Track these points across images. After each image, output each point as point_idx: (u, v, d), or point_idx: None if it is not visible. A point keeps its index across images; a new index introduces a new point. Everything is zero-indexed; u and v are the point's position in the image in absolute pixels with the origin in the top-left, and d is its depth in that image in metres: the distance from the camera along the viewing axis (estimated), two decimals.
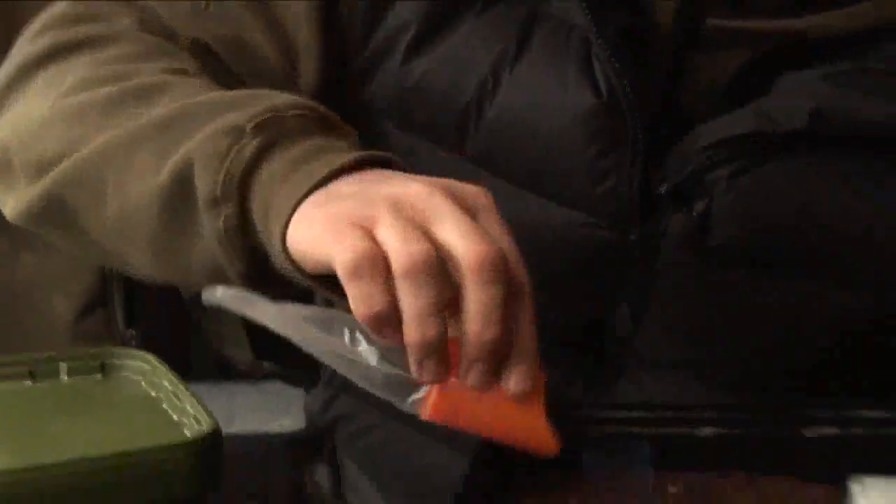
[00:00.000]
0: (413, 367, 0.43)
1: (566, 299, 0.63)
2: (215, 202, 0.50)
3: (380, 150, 0.51)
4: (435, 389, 0.44)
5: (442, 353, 0.43)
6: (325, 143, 0.51)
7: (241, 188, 0.49)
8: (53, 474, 0.64)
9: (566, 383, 0.65)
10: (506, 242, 0.44)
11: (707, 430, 0.54)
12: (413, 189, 0.44)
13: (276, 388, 0.93)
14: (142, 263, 0.57)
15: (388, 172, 0.49)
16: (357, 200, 0.45)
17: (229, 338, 1.22)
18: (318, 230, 0.45)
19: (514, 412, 0.43)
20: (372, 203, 0.44)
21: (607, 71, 0.58)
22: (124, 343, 1.07)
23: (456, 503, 0.53)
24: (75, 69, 0.60)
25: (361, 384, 0.46)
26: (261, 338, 0.91)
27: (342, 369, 0.47)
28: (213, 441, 0.73)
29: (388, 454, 0.69)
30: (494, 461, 0.51)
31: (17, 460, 0.68)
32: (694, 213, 0.59)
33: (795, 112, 0.58)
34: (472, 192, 0.46)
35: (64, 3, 0.65)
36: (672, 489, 0.51)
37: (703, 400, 0.62)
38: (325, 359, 0.47)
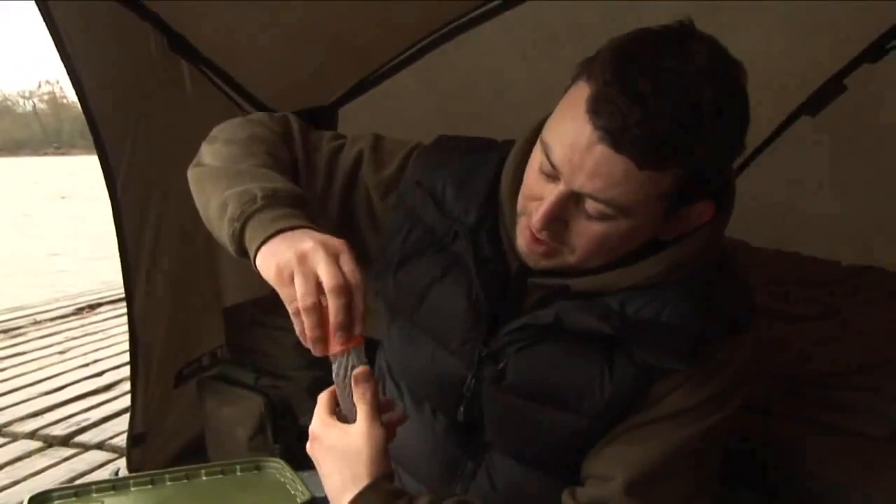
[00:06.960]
0: (310, 331, 0.87)
1: (446, 401, 1.10)
2: (231, 221, 0.96)
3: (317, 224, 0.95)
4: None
5: (323, 326, 0.87)
6: (287, 213, 0.95)
7: (242, 222, 0.95)
8: None
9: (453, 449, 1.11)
10: (351, 275, 0.87)
11: None
12: (307, 247, 0.87)
13: None
14: (213, 233, 1.04)
15: (302, 232, 0.92)
16: (285, 255, 0.88)
17: None
18: (272, 269, 0.88)
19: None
20: (289, 258, 0.87)
21: (477, 291, 1.04)
22: (272, 453, 1.67)
23: None
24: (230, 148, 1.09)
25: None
26: None
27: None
28: None
29: None
30: None
31: None
32: (497, 368, 1.04)
33: (549, 315, 1.00)
34: (336, 244, 0.89)
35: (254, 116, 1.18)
36: None
37: (519, 474, 1.08)
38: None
